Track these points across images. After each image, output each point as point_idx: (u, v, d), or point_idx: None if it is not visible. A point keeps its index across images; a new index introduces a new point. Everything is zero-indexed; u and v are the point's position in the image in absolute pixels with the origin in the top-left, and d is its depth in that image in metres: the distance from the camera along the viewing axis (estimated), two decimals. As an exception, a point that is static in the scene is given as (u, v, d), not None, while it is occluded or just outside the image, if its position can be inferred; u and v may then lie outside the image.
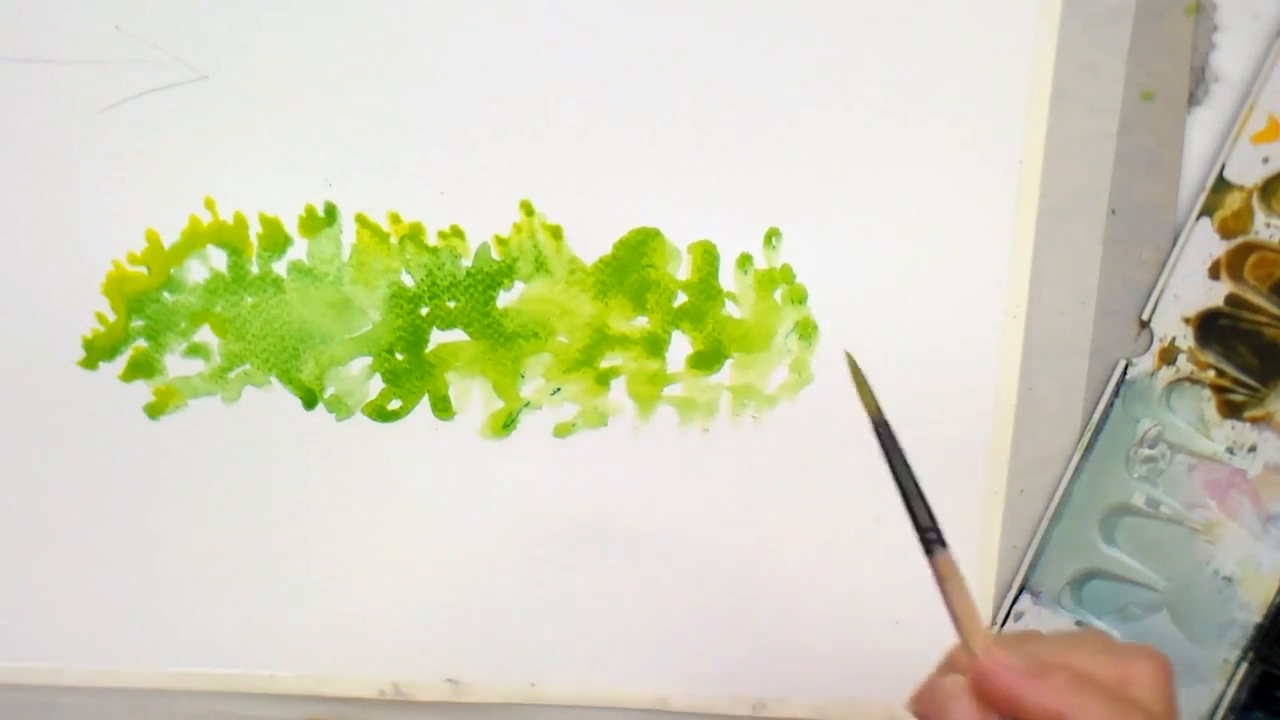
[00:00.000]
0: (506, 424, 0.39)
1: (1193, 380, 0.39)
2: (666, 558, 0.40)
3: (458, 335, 0.39)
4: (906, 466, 0.31)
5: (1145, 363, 0.39)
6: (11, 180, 0.38)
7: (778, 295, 0.39)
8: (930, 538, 0.31)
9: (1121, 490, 0.39)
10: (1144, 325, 0.39)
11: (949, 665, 0.31)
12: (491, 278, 0.39)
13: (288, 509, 0.40)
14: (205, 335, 0.39)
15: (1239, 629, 0.39)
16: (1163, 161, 0.38)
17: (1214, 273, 0.38)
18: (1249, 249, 0.38)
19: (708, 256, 0.39)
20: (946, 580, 0.30)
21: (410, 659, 0.41)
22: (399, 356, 0.39)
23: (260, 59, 0.38)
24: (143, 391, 0.40)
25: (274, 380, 0.39)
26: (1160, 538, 0.39)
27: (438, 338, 0.39)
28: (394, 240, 0.39)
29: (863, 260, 0.39)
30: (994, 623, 0.40)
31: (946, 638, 0.40)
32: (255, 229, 0.39)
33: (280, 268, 0.39)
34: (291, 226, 0.39)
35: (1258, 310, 0.38)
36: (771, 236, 0.39)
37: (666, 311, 0.39)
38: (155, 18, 0.37)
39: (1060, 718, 0.27)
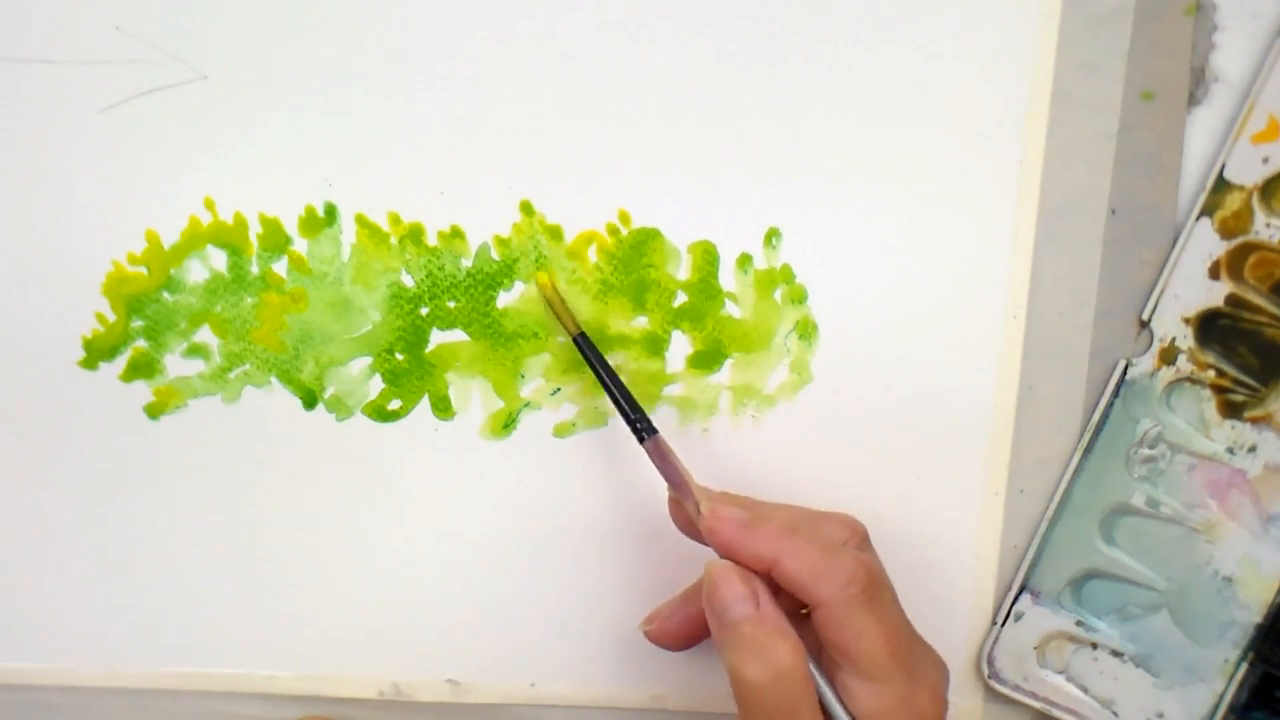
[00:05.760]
0: (506, 424, 0.39)
1: (1193, 380, 0.39)
2: (666, 558, 0.40)
3: (458, 335, 0.39)
4: (610, 371, 0.36)
5: (1145, 363, 0.39)
6: (11, 180, 0.38)
7: (778, 295, 0.39)
8: (639, 427, 0.35)
9: (1121, 490, 0.39)
10: (1144, 325, 0.39)
11: (691, 587, 0.36)
12: (491, 278, 0.39)
13: (288, 509, 0.40)
14: (205, 335, 0.39)
15: (1239, 629, 0.39)
16: (1163, 161, 0.38)
17: (1214, 273, 0.38)
18: (1249, 249, 0.38)
19: (708, 256, 0.39)
20: (664, 459, 0.35)
21: (410, 659, 0.41)
22: (399, 356, 0.39)
23: (260, 59, 0.38)
24: (143, 392, 0.40)
25: (274, 380, 0.39)
26: (1160, 538, 0.39)
27: (438, 338, 0.39)
28: (394, 240, 0.39)
29: (863, 260, 0.39)
30: (994, 623, 0.40)
31: (945, 637, 0.41)
32: (255, 229, 0.39)
33: (280, 268, 0.39)
34: (291, 226, 0.39)
35: (1258, 310, 0.38)
36: (771, 236, 0.39)
37: (666, 311, 0.39)
38: (155, 18, 0.37)
39: (776, 561, 0.32)
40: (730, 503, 0.34)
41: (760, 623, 0.31)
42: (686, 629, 0.36)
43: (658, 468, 0.35)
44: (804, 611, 0.33)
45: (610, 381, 0.36)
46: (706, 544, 0.34)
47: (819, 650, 0.32)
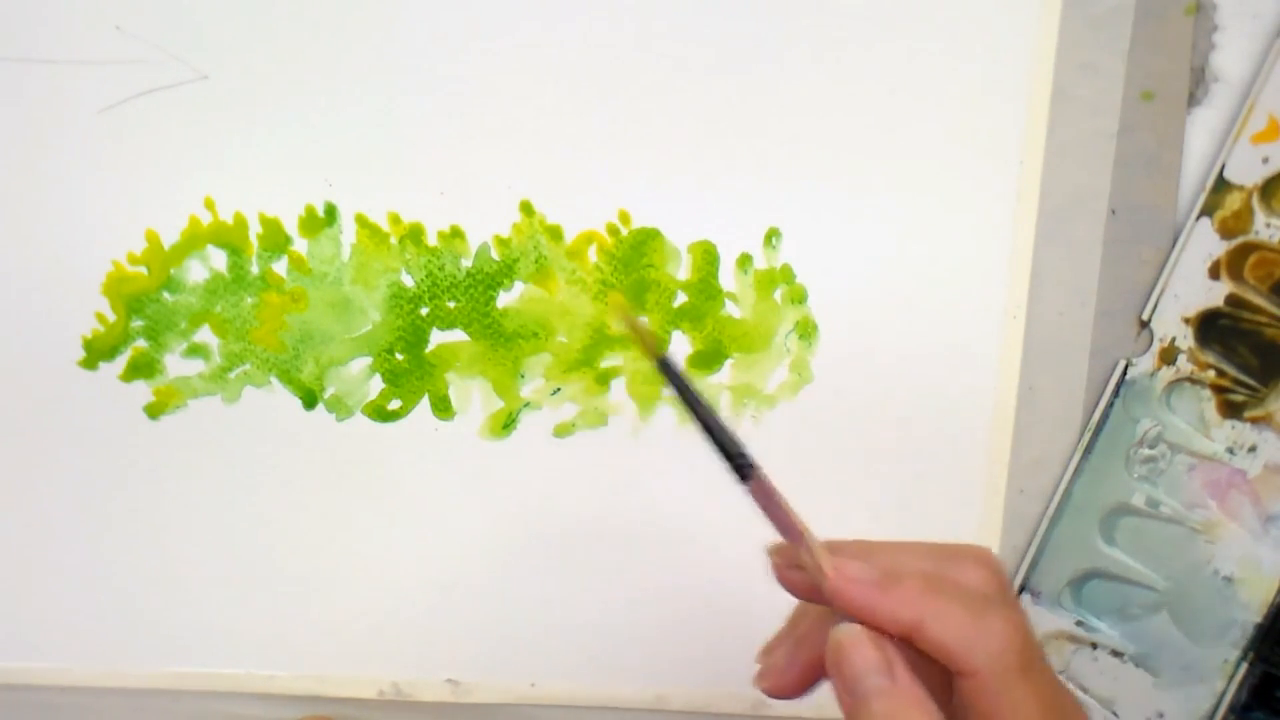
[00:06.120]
0: (506, 424, 0.39)
1: (1193, 380, 0.39)
2: (666, 557, 0.40)
3: (458, 335, 0.39)
4: (702, 401, 0.29)
5: (1145, 363, 0.39)
6: (11, 180, 0.38)
7: (778, 295, 0.39)
8: (742, 463, 0.29)
9: (1121, 490, 0.39)
10: (1144, 325, 0.39)
11: (798, 617, 0.31)
12: (491, 278, 0.39)
13: (288, 509, 0.40)
14: (205, 335, 0.39)
15: (1239, 629, 0.39)
16: (1163, 161, 0.38)
17: (1214, 273, 0.38)
18: (1249, 249, 0.38)
19: (708, 256, 0.39)
20: (771, 500, 0.29)
21: (410, 659, 0.41)
22: (399, 356, 0.39)
23: (260, 59, 0.38)
24: (143, 391, 0.40)
25: (274, 380, 0.39)
26: (1160, 538, 0.39)
27: (438, 338, 0.39)
28: (394, 240, 0.39)
29: (863, 260, 0.39)
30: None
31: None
32: (255, 229, 0.39)
33: (280, 268, 0.39)
34: (291, 226, 0.39)
35: (1258, 310, 0.38)
36: (771, 236, 0.39)
37: (666, 311, 0.39)
38: (155, 18, 0.37)
39: (918, 625, 0.28)
40: (849, 554, 0.29)
41: (897, 697, 0.28)
42: (806, 678, 0.31)
43: (763, 511, 0.29)
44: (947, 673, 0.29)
45: (702, 413, 0.29)
46: (819, 602, 0.29)
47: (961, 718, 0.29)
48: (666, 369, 0.29)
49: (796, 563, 0.29)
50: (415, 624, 0.41)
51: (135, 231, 0.39)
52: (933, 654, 0.28)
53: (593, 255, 0.39)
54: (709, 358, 0.39)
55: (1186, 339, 0.38)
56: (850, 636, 0.28)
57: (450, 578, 0.40)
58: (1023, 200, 0.38)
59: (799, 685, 0.31)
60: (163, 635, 0.41)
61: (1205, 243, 0.38)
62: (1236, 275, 0.38)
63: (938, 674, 0.28)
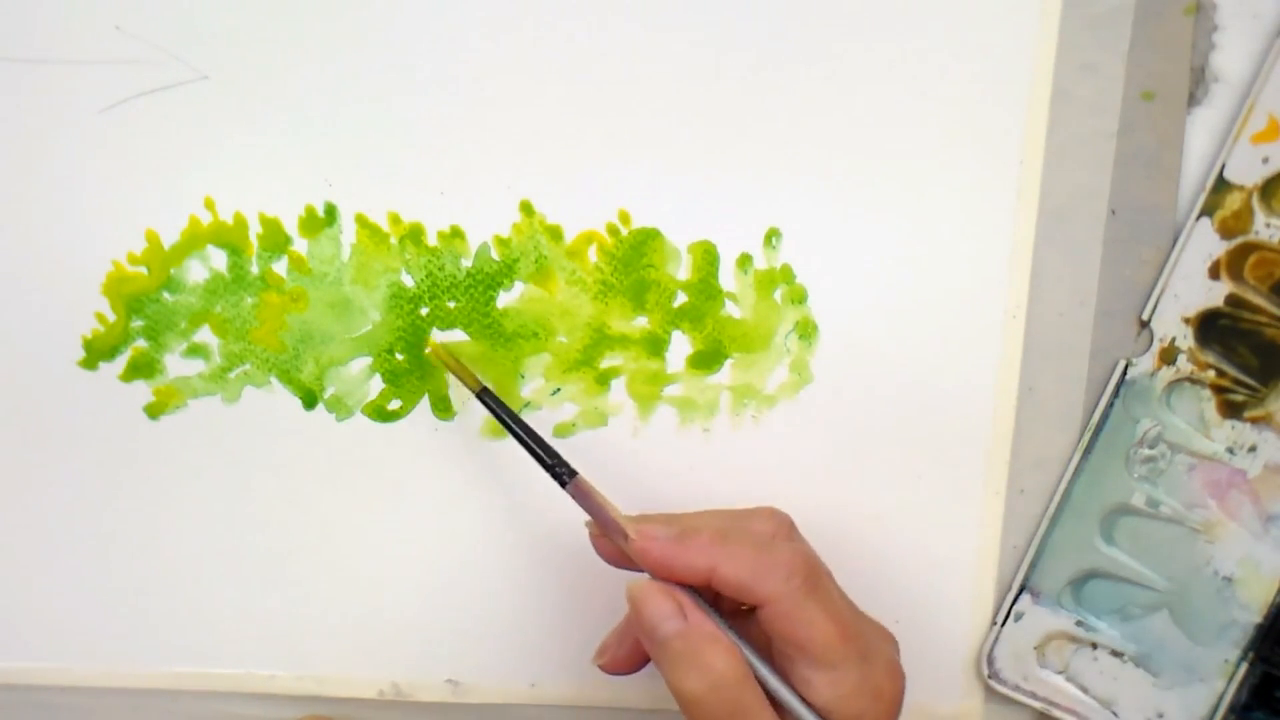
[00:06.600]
0: (506, 424, 0.39)
1: (1193, 380, 0.39)
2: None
3: (458, 335, 0.39)
4: (519, 422, 0.36)
5: (1145, 363, 0.39)
6: (11, 180, 0.38)
7: (778, 295, 0.39)
8: (559, 472, 0.34)
9: (1121, 490, 0.39)
10: (1144, 325, 0.39)
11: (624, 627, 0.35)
12: (491, 278, 0.39)
13: (288, 509, 0.40)
14: (205, 335, 0.39)
15: (1239, 629, 0.39)
16: (1163, 161, 0.38)
17: (1214, 273, 0.38)
18: (1249, 249, 0.38)
19: (708, 256, 0.39)
20: (587, 498, 0.34)
21: (410, 659, 0.41)
22: (399, 356, 0.39)
23: (260, 59, 0.38)
24: (143, 392, 0.40)
25: (274, 380, 0.39)
26: (1160, 538, 0.39)
27: (438, 338, 0.39)
28: (394, 240, 0.39)
29: (863, 260, 0.39)
30: (994, 623, 0.40)
31: (945, 637, 0.41)
32: (255, 229, 0.39)
33: (280, 268, 0.39)
34: (291, 226, 0.39)
35: (1258, 310, 0.38)
36: (771, 236, 0.39)
37: (666, 311, 0.39)
38: (155, 18, 0.37)
39: (713, 568, 0.31)
40: (654, 521, 0.33)
41: (689, 635, 0.31)
42: (637, 654, 0.35)
43: (582, 507, 0.34)
44: (744, 608, 0.33)
45: (522, 431, 0.35)
46: (639, 570, 0.33)
47: (768, 648, 0.32)
48: (486, 399, 0.36)
49: (614, 546, 0.34)
50: (415, 624, 0.41)
51: (135, 231, 0.39)
52: (730, 594, 0.31)
53: (593, 255, 0.39)
54: (709, 358, 0.39)
55: (1186, 339, 0.38)
56: (640, 590, 0.32)
57: (450, 578, 0.40)
58: (1023, 200, 0.38)
59: (629, 662, 0.35)
60: (163, 635, 0.41)
61: (1205, 243, 0.38)
62: (1236, 275, 0.38)
63: (738, 609, 0.33)
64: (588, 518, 0.34)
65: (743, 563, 0.31)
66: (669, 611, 0.32)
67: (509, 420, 0.36)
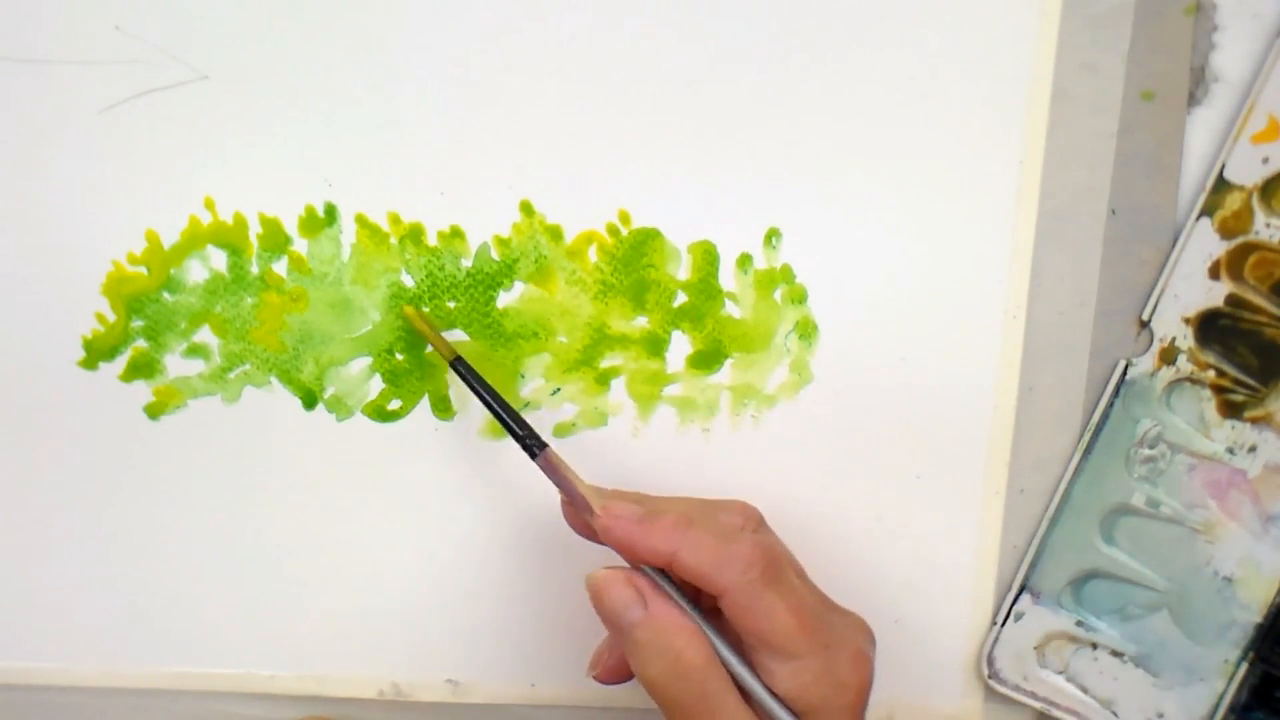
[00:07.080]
0: (506, 424, 0.39)
1: (1193, 380, 0.39)
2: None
3: (458, 335, 0.39)
4: (491, 391, 0.35)
5: (1145, 363, 0.39)
6: (11, 180, 0.38)
7: (778, 295, 0.39)
8: (530, 444, 0.34)
9: (1121, 490, 0.39)
10: (1144, 325, 0.39)
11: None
12: (491, 278, 0.39)
13: (288, 509, 0.40)
14: (205, 335, 0.39)
15: (1239, 629, 0.39)
16: (1163, 161, 0.38)
17: (1214, 273, 0.38)
18: (1249, 249, 0.38)
19: (708, 256, 0.39)
20: (556, 471, 0.34)
21: (410, 659, 0.41)
22: (399, 356, 0.39)
23: (260, 59, 0.38)
24: (143, 392, 0.40)
25: (274, 380, 0.39)
26: (1160, 538, 0.39)
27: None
28: (394, 240, 0.39)
29: (863, 260, 0.39)
30: (994, 623, 0.40)
31: (945, 637, 0.41)
32: (255, 229, 0.39)
33: (280, 268, 0.39)
34: (291, 226, 0.39)
35: (1258, 310, 0.38)
36: (771, 236, 0.39)
37: (666, 311, 0.39)
38: (155, 18, 0.37)
39: (674, 554, 0.31)
40: (623, 499, 0.33)
41: (651, 623, 0.31)
42: (624, 666, 0.35)
43: (551, 480, 0.34)
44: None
45: (493, 400, 0.35)
46: (599, 542, 0.33)
47: (737, 637, 0.32)
48: (459, 369, 0.36)
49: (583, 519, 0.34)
50: (415, 624, 0.41)
51: (135, 231, 0.39)
52: (690, 580, 0.32)
53: (593, 255, 0.39)
54: (709, 358, 0.39)
55: (1186, 339, 0.38)
56: (601, 579, 0.32)
57: (450, 577, 0.40)
58: (1023, 200, 0.38)
59: (622, 671, 0.35)
60: (162, 635, 0.41)
61: (1205, 243, 0.38)
62: (1236, 275, 0.38)
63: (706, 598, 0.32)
64: (562, 496, 0.35)
65: (703, 551, 0.31)
66: (629, 600, 0.32)
67: (480, 389, 0.36)
